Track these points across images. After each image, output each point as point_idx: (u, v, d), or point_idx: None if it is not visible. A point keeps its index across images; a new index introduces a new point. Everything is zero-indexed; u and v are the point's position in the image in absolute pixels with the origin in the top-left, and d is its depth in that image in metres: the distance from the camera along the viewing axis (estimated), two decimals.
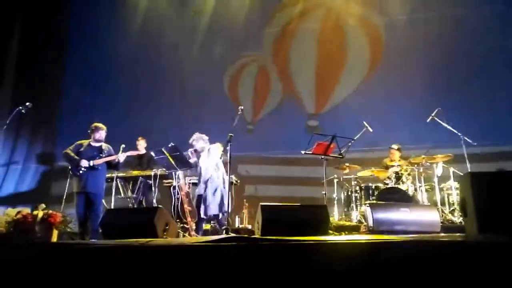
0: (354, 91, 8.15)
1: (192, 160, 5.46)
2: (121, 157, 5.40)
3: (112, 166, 5.46)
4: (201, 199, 5.31)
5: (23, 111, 5.54)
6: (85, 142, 5.38)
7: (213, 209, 5.24)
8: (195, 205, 5.47)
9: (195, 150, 5.50)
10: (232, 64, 8.89)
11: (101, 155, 5.27)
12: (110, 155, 5.36)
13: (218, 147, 6.16)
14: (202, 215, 5.27)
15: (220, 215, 5.32)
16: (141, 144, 6.78)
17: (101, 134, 5.37)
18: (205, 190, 5.35)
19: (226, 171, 5.52)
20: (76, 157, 5.18)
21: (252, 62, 8.89)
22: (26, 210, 5.31)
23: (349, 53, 8.42)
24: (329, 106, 8.27)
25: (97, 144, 5.35)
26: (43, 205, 5.56)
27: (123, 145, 5.86)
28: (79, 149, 5.29)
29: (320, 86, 8.39)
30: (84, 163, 5.14)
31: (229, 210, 5.18)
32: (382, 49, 8.32)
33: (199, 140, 5.53)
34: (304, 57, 8.56)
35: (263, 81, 8.70)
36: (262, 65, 8.81)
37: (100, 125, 5.42)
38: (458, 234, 4.11)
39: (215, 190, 5.30)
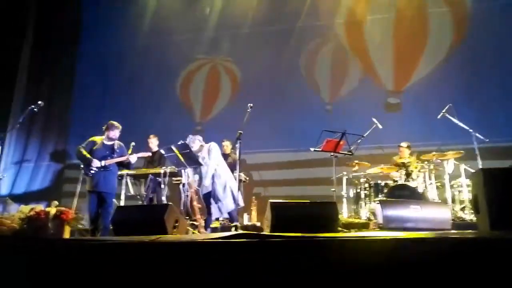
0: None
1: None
2: (133, 158, 5.38)
3: (123, 165, 5.47)
4: (210, 197, 5.33)
5: (35, 109, 5.61)
6: (98, 139, 5.37)
7: (229, 205, 5.26)
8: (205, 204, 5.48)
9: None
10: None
11: (113, 155, 5.26)
12: (122, 154, 5.36)
13: (227, 146, 6.20)
14: (218, 214, 5.27)
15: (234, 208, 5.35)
16: (153, 142, 6.84)
17: (116, 133, 5.35)
18: (212, 188, 5.36)
19: (233, 169, 5.54)
20: (88, 156, 5.18)
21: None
22: (40, 207, 5.39)
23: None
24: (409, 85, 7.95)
25: (110, 143, 5.34)
26: (56, 202, 5.65)
27: (133, 143, 5.92)
28: (92, 147, 5.28)
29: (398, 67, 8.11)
30: (96, 163, 5.14)
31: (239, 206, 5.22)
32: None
33: (195, 141, 5.51)
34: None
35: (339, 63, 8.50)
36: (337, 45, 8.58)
37: (115, 123, 5.39)
38: (469, 231, 4.06)
39: (225, 186, 5.31)
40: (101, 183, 5.13)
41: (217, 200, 5.32)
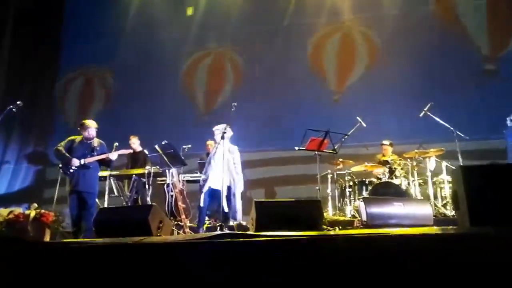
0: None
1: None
2: (113, 155, 5.27)
3: (104, 163, 5.36)
4: (220, 196, 4.86)
5: (14, 110, 5.46)
6: (77, 138, 5.27)
7: (240, 215, 5.07)
8: (203, 198, 5.19)
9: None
10: None
11: (92, 153, 5.15)
12: (102, 152, 5.26)
13: (211, 145, 6.09)
14: (230, 220, 5.03)
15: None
16: (134, 142, 6.75)
17: (89, 131, 5.24)
18: (229, 191, 5.05)
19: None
20: (67, 155, 5.08)
21: None
22: (18, 210, 5.26)
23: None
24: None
25: (89, 141, 5.24)
26: (35, 205, 5.52)
27: (117, 143, 5.82)
28: (70, 146, 5.17)
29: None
30: (75, 162, 5.02)
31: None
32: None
33: (227, 129, 5.07)
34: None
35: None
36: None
37: (88, 122, 5.28)
38: (450, 227, 4.14)
39: (234, 194, 5.11)
40: (81, 183, 5.01)
41: (230, 205, 5.05)
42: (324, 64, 8.55)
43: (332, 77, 8.47)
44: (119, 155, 5.47)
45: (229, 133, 5.14)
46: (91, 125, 5.27)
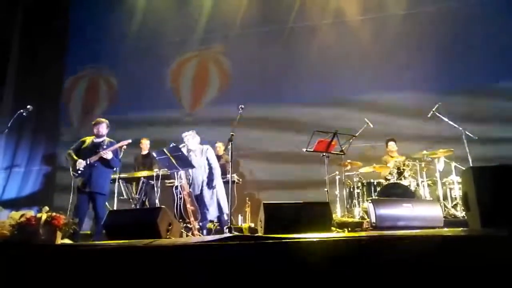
0: None
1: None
2: (107, 154, 5.02)
3: (109, 165, 5.17)
4: (198, 201, 5.36)
5: (24, 114, 5.53)
6: (88, 138, 5.25)
7: (212, 213, 5.31)
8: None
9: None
10: None
11: (97, 151, 5.03)
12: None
13: (220, 147, 6.16)
14: (203, 219, 5.32)
15: (224, 216, 5.35)
16: (145, 144, 6.81)
17: (99, 128, 5.15)
18: (201, 193, 5.40)
19: (228, 170, 5.54)
20: (74, 157, 5.04)
21: None
22: (30, 213, 5.30)
23: None
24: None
25: (99, 140, 5.18)
26: (47, 208, 5.55)
27: (125, 146, 5.85)
28: (80, 147, 5.13)
29: None
30: (81, 164, 4.95)
31: (231, 210, 5.20)
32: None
33: (194, 137, 5.52)
34: None
35: None
36: None
37: (99, 119, 5.23)
38: (461, 228, 4.10)
39: (212, 193, 5.33)
40: (88, 183, 4.94)
41: (203, 205, 5.37)
42: None
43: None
44: (125, 152, 5.42)
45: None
46: (101, 121, 5.20)
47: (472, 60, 7.43)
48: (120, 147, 5.37)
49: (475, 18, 7.63)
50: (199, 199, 5.40)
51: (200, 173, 5.47)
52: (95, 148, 5.11)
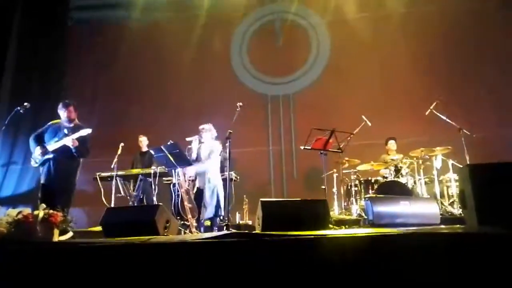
0: None
1: (194, 145, 5.41)
2: (67, 141, 4.32)
3: (79, 154, 4.53)
4: (199, 196, 5.33)
5: (21, 111, 5.49)
6: (56, 122, 4.63)
7: (209, 213, 5.28)
8: (194, 197, 5.46)
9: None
10: None
11: (64, 137, 4.33)
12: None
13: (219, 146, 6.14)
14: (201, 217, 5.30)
15: (218, 219, 5.36)
16: (143, 142, 6.79)
17: (63, 112, 4.50)
18: (203, 189, 5.34)
19: (225, 168, 5.52)
20: (32, 143, 4.46)
21: None
22: (27, 211, 5.28)
23: None
24: None
25: (70, 124, 4.53)
26: (44, 205, 5.53)
27: (122, 144, 5.85)
28: (44, 132, 4.49)
29: None
30: (36, 151, 4.33)
31: (229, 208, 5.21)
32: None
33: (211, 130, 5.50)
34: None
35: None
36: None
37: (67, 101, 4.59)
38: (458, 226, 4.12)
39: (212, 192, 5.31)
40: (47, 175, 4.38)
41: (202, 203, 5.31)
42: None
43: None
44: (123, 150, 5.22)
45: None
46: (71, 103, 4.57)
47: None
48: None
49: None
50: (199, 195, 5.35)
51: (206, 167, 5.41)
52: (59, 133, 4.54)
